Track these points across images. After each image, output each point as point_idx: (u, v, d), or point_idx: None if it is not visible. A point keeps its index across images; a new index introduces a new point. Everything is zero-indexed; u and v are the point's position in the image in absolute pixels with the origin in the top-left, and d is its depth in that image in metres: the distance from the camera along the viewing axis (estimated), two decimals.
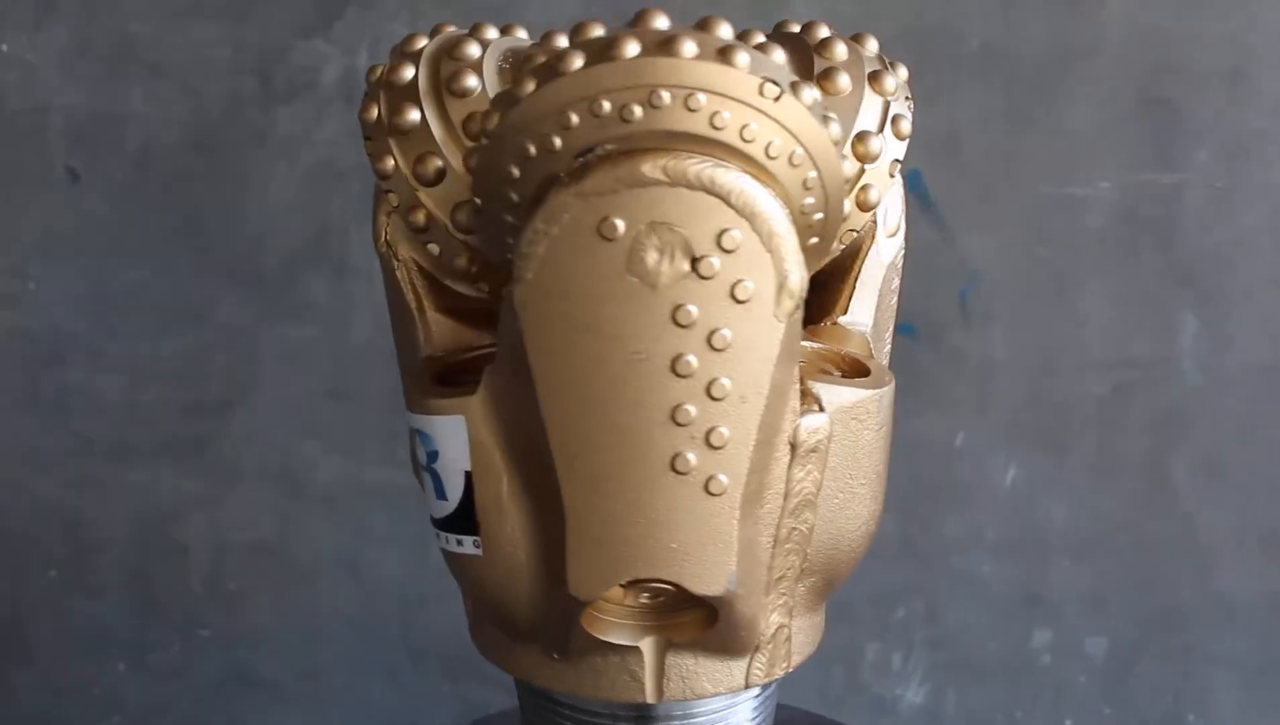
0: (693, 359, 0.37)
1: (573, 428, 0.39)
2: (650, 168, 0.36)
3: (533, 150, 0.37)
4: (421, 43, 0.47)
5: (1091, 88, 0.96)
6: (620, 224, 0.36)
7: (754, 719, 0.47)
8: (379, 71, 0.47)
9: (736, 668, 0.44)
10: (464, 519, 0.42)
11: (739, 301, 0.37)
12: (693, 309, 0.37)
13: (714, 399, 0.38)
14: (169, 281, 1.00)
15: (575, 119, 0.36)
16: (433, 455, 0.42)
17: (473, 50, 0.45)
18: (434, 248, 0.45)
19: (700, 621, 0.43)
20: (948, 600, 1.05)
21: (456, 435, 0.41)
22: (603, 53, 0.36)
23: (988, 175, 0.97)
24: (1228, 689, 1.05)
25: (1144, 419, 1.01)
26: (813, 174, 0.38)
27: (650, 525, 0.39)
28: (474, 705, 1.04)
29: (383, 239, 0.46)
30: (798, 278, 0.37)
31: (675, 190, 0.36)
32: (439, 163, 0.44)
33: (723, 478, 0.39)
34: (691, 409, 0.38)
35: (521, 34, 0.49)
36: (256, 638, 1.06)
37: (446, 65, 0.45)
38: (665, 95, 0.36)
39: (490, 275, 0.45)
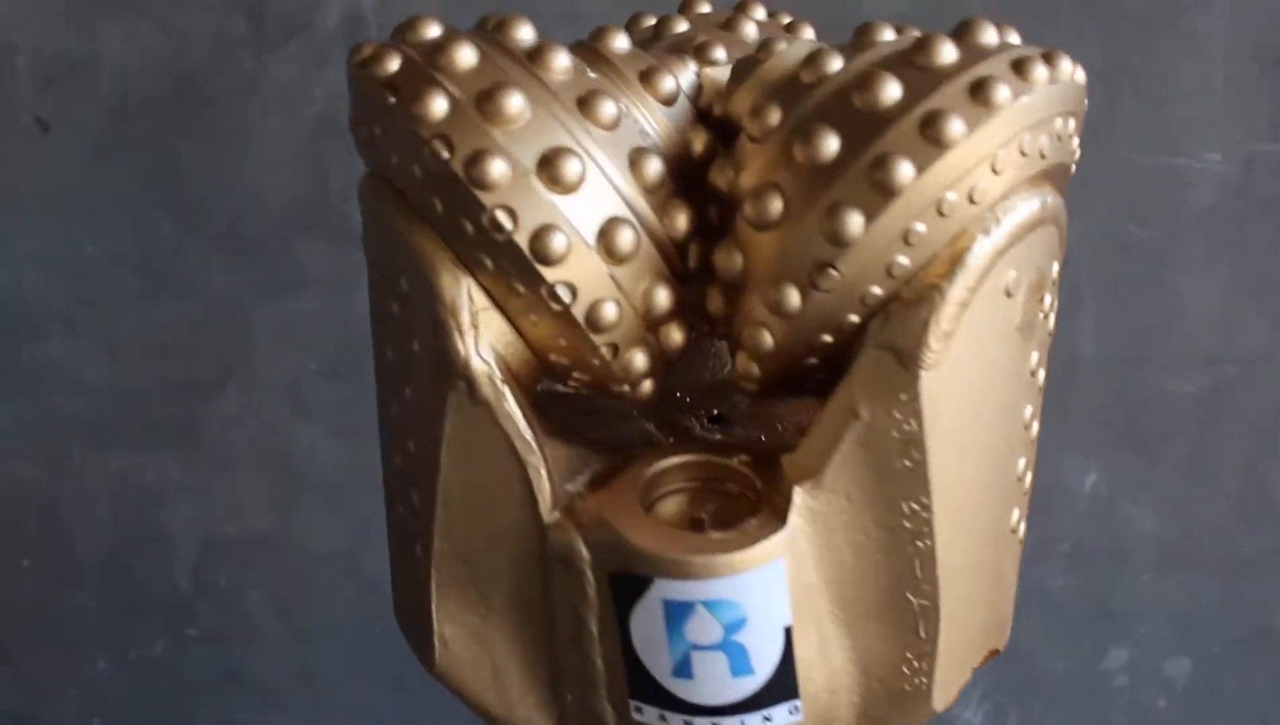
0: (1031, 408, 0.37)
1: (961, 511, 0.37)
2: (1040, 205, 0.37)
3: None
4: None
5: (1201, 44, 0.86)
6: (1014, 275, 0.36)
7: None
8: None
9: None
10: (780, 687, 0.37)
11: (1050, 332, 0.37)
12: (1035, 355, 0.36)
13: (1033, 441, 0.38)
14: (151, 247, 0.92)
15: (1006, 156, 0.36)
16: (736, 624, 0.36)
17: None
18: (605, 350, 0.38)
19: None
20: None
21: (774, 586, 0.36)
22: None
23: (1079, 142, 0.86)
24: None
25: (1243, 421, 0.92)
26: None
27: (1002, 592, 0.39)
28: None
29: (473, 355, 0.37)
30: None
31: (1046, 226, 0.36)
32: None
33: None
34: (1023, 462, 0.38)
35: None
36: (249, 636, 0.99)
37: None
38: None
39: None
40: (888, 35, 0.39)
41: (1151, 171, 0.88)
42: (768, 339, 0.36)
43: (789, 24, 0.46)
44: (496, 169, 0.35)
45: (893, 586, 0.37)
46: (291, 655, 0.99)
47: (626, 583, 0.36)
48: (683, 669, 0.36)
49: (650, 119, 0.38)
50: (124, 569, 0.98)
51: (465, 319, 0.36)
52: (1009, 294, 0.36)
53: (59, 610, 0.99)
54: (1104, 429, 0.92)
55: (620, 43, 0.40)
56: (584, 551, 0.37)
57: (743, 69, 0.39)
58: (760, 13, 0.46)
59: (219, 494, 0.97)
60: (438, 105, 0.35)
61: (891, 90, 0.35)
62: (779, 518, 0.36)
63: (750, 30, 0.44)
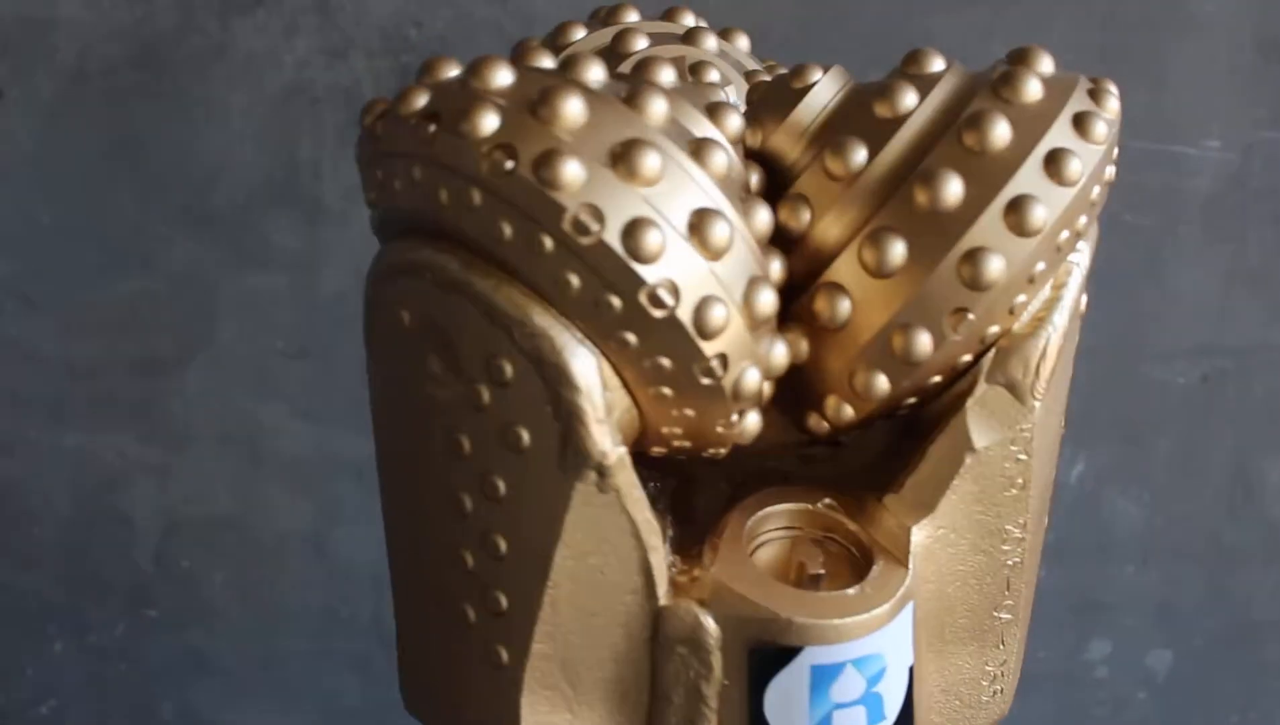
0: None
1: (1040, 522, 0.39)
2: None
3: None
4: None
5: (1203, 29, 0.84)
6: (1086, 299, 0.36)
7: None
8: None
9: None
10: None
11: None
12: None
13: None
14: (110, 220, 0.89)
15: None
16: (878, 676, 0.35)
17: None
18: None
19: None
20: None
21: (906, 630, 0.36)
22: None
23: None
24: None
25: (1233, 413, 0.90)
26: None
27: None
28: None
29: (609, 442, 0.33)
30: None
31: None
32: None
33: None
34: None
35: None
36: (211, 620, 0.97)
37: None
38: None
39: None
40: (939, 64, 0.37)
41: (1149, 158, 0.85)
42: (883, 384, 0.35)
43: (724, 31, 0.44)
44: (570, 169, 0.31)
45: (982, 607, 0.38)
46: (256, 639, 0.97)
47: (768, 655, 0.35)
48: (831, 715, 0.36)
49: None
50: (82, 550, 0.95)
51: (601, 404, 0.32)
52: (1082, 317, 0.36)
53: (14, 592, 0.96)
54: (1092, 419, 0.90)
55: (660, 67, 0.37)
56: (714, 629, 0.35)
57: (773, 101, 0.37)
58: (689, 19, 0.44)
59: (180, 474, 0.94)
60: (488, 119, 0.31)
61: (1002, 129, 0.35)
62: (900, 562, 0.36)
63: (710, 45, 0.42)
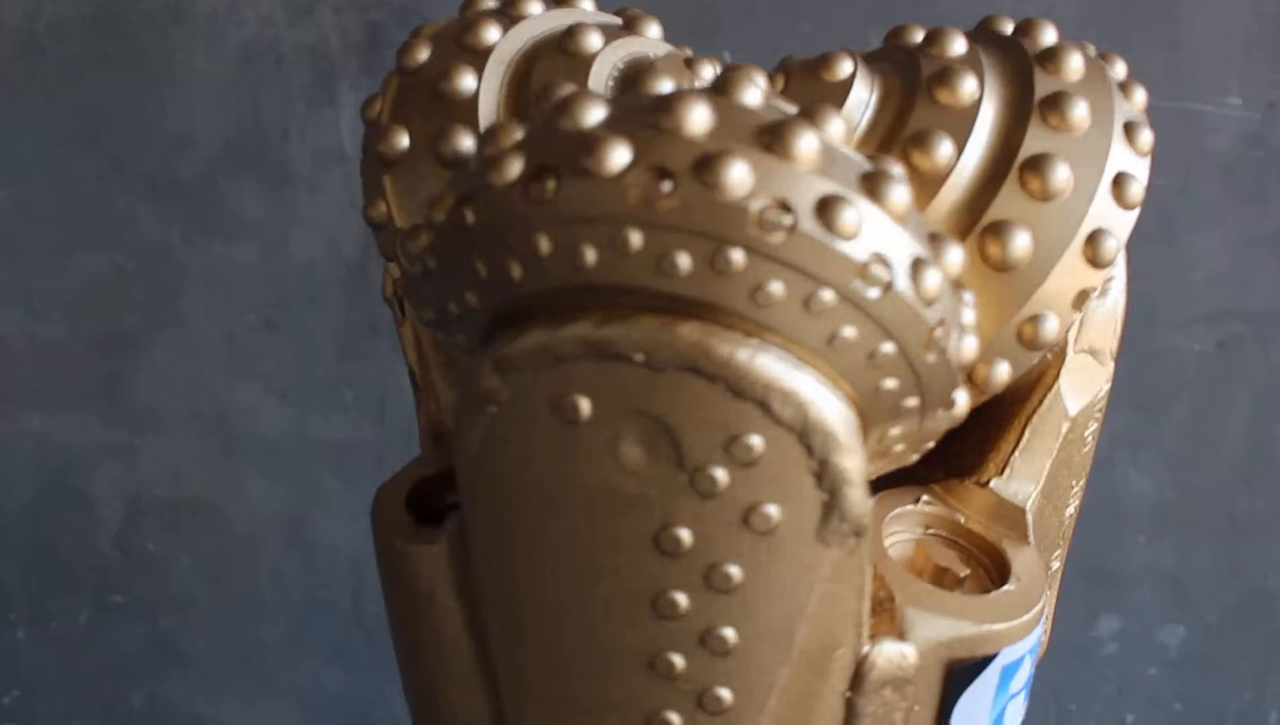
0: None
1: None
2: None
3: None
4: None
5: None
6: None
7: None
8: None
9: None
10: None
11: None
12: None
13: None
14: (68, 192, 0.84)
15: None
16: (1034, 655, 0.35)
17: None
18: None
19: None
20: None
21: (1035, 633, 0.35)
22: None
23: None
24: None
25: (1251, 381, 0.87)
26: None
27: None
28: None
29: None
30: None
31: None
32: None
33: None
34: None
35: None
36: (182, 607, 0.93)
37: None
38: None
39: None
40: (960, 41, 0.36)
41: (1166, 117, 0.81)
42: (1004, 374, 0.34)
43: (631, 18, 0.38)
44: (850, 215, 0.26)
45: (1044, 559, 0.38)
46: (230, 627, 0.93)
47: (965, 670, 0.33)
48: (997, 723, 0.35)
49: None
50: (45, 534, 0.91)
51: (865, 461, 0.28)
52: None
53: None
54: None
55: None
56: (915, 659, 0.32)
57: (815, 99, 0.33)
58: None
59: (148, 456, 0.89)
60: (738, 170, 0.25)
61: (1082, 108, 0.34)
62: (1024, 541, 0.36)
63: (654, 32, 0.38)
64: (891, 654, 0.32)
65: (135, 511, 0.90)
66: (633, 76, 0.30)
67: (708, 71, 0.35)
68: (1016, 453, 0.37)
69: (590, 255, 0.25)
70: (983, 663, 0.33)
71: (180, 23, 0.80)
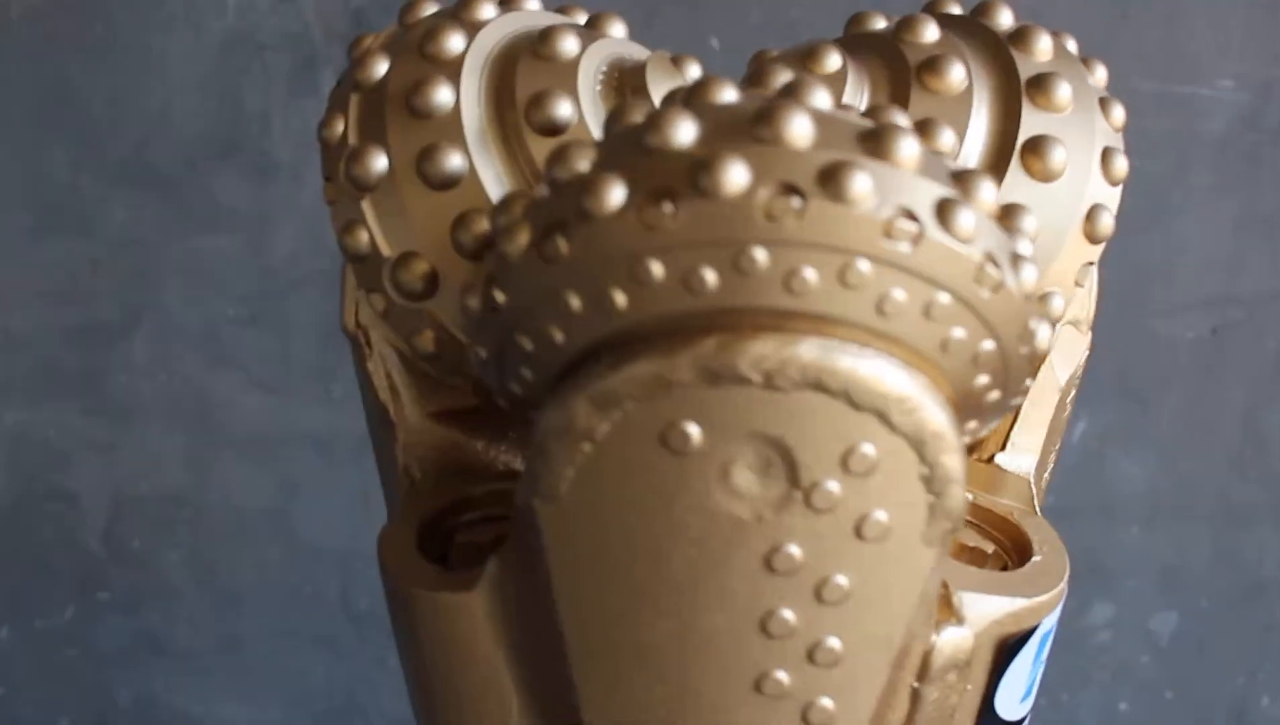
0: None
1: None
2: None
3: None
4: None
5: None
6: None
7: None
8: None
9: None
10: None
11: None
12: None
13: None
14: (42, 179, 0.82)
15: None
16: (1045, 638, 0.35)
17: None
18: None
19: None
20: None
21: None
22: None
23: None
24: None
25: (1244, 368, 0.86)
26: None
27: None
28: None
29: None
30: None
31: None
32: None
33: None
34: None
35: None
36: (167, 602, 0.92)
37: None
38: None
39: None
40: (935, 31, 0.36)
41: (1157, 99, 0.80)
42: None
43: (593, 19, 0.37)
44: (966, 217, 0.26)
45: None
46: (214, 620, 0.92)
47: (1013, 644, 0.33)
48: (1028, 691, 0.35)
49: None
50: (25, 531, 0.90)
51: (964, 456, 0.28)
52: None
53: None
54: (1095, 376, 0.85)
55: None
56: (972, 641, 0.32)
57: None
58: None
59: (129, 450, 0.88)
60: (862, 181, 0.25)
61: (1064, 87, 0.34)
62: (1033, 513, 0.36)
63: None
64: (953, 639, 0.32)
65: (117, 506, 0.89)
66: (695, 87, 0.28)
67: (693, 71, 0.33)
68: (1016, 426, 0.36)
69: (711, 278, 0.25)
70: (1028, 635, 0.33)
71: (157, 8, 0.79)
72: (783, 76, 0.32)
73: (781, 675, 0.29)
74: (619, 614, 0.29)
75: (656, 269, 0.25)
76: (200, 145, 0.82)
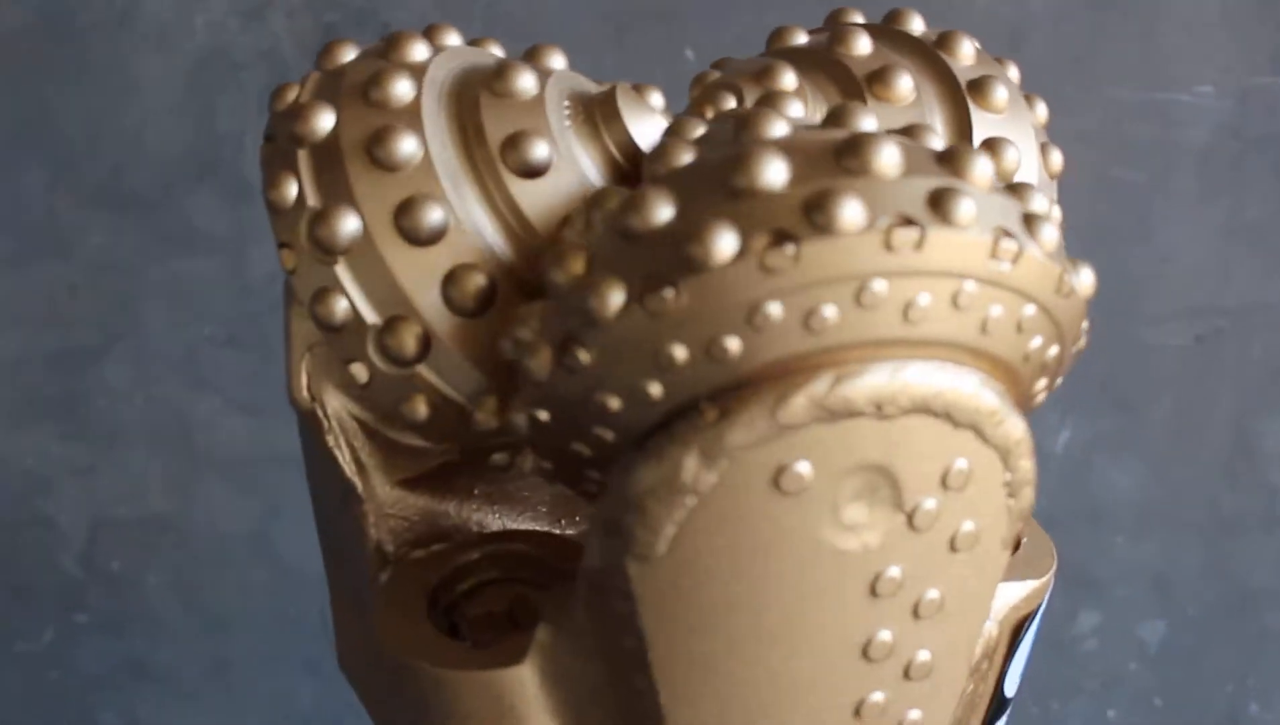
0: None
1: None
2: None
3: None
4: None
5: None
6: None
7: None
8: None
9: None
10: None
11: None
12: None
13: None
14: (17, 202, 0.82)
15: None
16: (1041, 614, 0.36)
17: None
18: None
19: None
20: None
21: None
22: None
23: (1056, 74, 0.79)
24: None
25: (1231, 375, 0.86)
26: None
27: None
28: None
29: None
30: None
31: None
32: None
33: None
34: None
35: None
36: (149, 625, 0.91)
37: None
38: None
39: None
40: (868, 41, 0.35)
41: (1139, 108, 0.80)
42: None
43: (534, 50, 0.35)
44: (1049, 232, 0.27)
45: None
46: (198, 644, 0.91)
47: (1024, 625, 0.34)
48: (1025, 668, 0.36)
49: None
50: (4, 555, 0.89)
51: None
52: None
53: None
54: (1081, 385, 0.85)
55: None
56: (997, 628, 0.34)
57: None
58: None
59: (108, 474, 0.88)
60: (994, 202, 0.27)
61: (1000, 89, 0.34)
62: None
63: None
64: (988, 630, 0.33)
65: (98, 529, 0.89)
66: (747, 121, 0.27)
67: (656, 99, 0.33)
68: None
69: (831, 315, 0.25)
70: (1034, 614, 0.34)
71: (127, 29, 0.78)
72: (737, 101, 0.32)
73: (878, 696, 0.29)
74: (717, 661, 0.28)
75: (775, 312, 0.24)
76: (176, 167, 0.81)
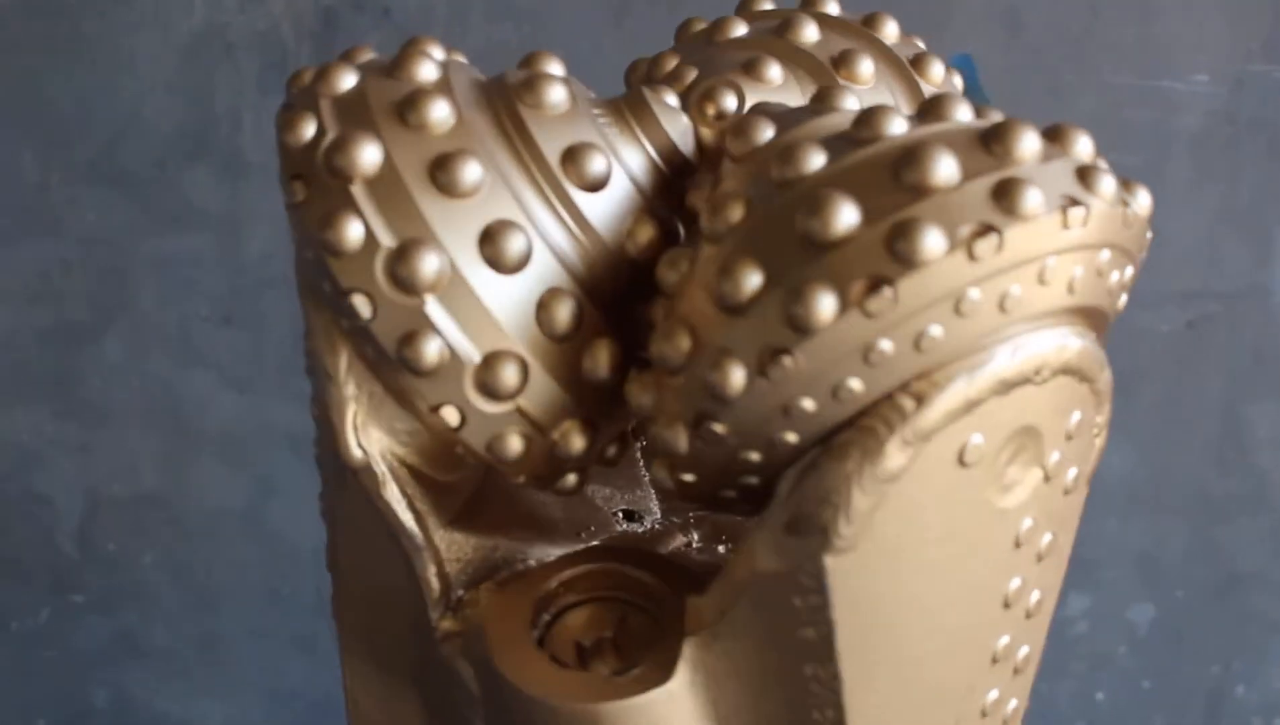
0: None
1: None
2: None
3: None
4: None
5: None
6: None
7: None
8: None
9: None
10: None
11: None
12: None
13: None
14: (12, 180, 0.82)
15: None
16: None
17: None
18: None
19: None
20: None
21: None
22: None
23: (1056, 62, 0.80)
24: None
25: (1221, 360, 0.86)
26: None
27: None
28: None
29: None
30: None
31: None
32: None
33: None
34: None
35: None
36: (143, 603, 0.91)
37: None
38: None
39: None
40: (814, 28, 0.35)
41: (1134, 94, 0.80)
42: None
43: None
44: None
45: None
46: (191, 620, 0.91)
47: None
48: None
49: None
50: (0, 534, 0.89)
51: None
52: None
53: None
54: None
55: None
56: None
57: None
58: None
59: (102, 451, 0.88)
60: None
61: (936, 65, 0.36)
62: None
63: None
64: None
65: (92, 508, 0.89)
66: (785, 153, 0.27)
67: (670, 99, 0.33)
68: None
69: (938, 333, 0.26)
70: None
71: (125, 6, 0.78)
72: (738, 101, 0.32)
73: (1006, 640, 0.31)
74: (896, 637, 0.29)
75: (887, 347, 0.26)
76: (171, 145, 0.81)
